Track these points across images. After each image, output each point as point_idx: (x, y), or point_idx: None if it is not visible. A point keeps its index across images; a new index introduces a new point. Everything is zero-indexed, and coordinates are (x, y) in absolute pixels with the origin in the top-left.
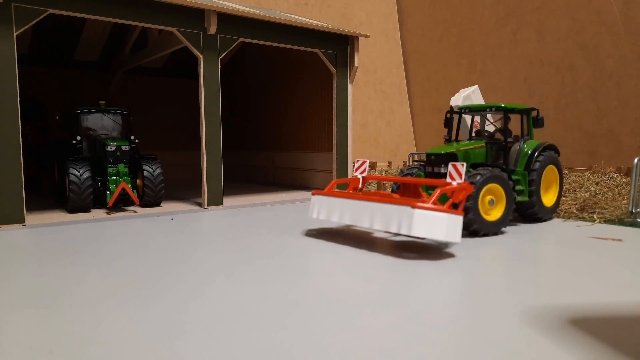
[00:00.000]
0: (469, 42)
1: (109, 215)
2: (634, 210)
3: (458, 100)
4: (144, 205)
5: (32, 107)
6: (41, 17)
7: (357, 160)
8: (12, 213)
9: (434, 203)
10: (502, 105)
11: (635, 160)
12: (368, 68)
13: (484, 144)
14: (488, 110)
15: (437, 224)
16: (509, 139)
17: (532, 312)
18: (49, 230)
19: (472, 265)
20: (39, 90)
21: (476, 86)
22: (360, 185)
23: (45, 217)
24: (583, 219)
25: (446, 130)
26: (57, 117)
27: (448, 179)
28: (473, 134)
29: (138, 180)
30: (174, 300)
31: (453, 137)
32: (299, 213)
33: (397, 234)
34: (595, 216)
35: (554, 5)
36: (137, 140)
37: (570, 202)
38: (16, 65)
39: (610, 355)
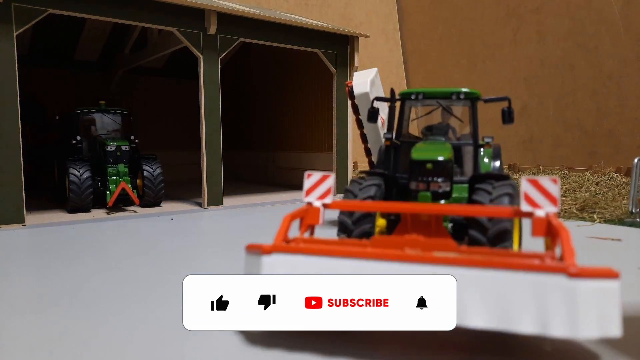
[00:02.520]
0: (469, 42)
1: (109, 215)
2: (634, 210)
3: (365, 86)
4: (143, 205)
5: (32, 108)
6: (41, 17)
7: (309, 175)
8: (12, 213)
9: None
10: (468, 90)
11: (635, 160)
12: (368, 68)
13: (450, 147)
14: (454, 96)
15: (609, 305)
16: (481, 140)
17: None
18: (49, 231)
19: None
20: (39, 91)
21: (376, 69)
22: (320, 222)
23: (45, 217)
24: (583, 218)
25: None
26: (56, 117)
27: (525, 207)
28: (423, 130)
29: (138, 180)
30: (175, 301)
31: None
32: None
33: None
34: (595, 216)
35: (554, 6)
36: (137, 140)
37: (570, 202)
38: (16, 65)
39: (610, 355)
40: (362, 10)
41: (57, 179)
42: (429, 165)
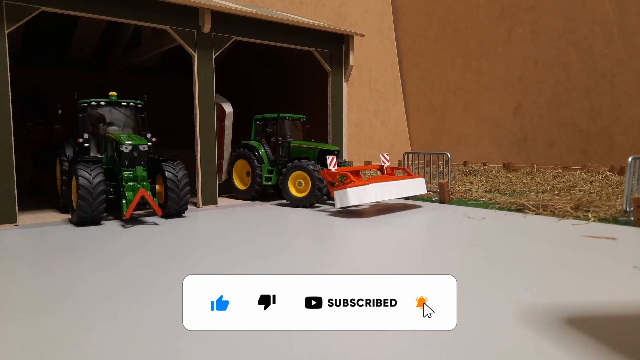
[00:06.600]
0: (463, 41)
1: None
2: (628, 209)
3: (229, 106)
4: (166, 214)
5: (33, 102)
6: (33, 14)
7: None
8: (4, 213)
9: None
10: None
11: (629, 159)
12: (363, 67)
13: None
14: (302, 119)
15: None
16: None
17: (527, 311)
18: (42, 231)
19: (465, 264)
20: (31, 89)
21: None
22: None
23: (38, 217)
24: (577, 217)
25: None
26: (59, 112)
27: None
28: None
29: (157, 186)
30: (173, 301)
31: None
32: (293, 211)
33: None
34: (589, 215)
35: (548, 5)
36: (154, 139)
37: (565, 200)
38: (7, 63)
39: (605, 354)
40: (357, 9)
41: (60, 183)
42: (335, 152)
